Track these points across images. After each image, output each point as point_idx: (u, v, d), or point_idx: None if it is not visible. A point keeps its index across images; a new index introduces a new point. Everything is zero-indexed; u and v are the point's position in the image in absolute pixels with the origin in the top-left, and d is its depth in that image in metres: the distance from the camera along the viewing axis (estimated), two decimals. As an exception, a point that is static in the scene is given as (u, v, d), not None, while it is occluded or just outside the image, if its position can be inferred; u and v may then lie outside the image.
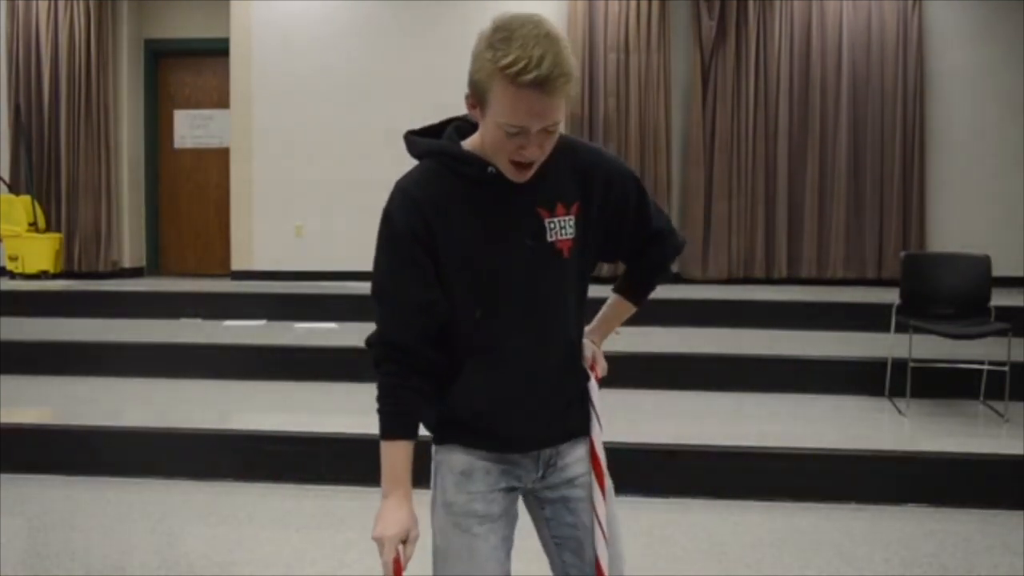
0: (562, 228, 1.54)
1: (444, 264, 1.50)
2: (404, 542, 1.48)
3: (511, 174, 1.48)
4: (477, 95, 1.44)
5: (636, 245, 1.68)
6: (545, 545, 1.69)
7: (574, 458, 1.64)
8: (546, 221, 1.53)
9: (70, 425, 4.25)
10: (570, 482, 1.63)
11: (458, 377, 1.56)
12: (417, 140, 1.58)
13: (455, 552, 1.57)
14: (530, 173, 1.48)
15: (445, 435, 1.62)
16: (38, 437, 4.20)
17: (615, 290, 1.80)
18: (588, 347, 1.71)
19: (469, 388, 1.56)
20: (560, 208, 1.54)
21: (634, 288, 1.78)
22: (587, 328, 1.73)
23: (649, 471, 3.86)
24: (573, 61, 1.40)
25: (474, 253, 1.50)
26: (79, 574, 3.04)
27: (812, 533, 3.44)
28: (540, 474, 1.63)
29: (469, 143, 1.54)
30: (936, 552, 3.26)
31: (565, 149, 1.55)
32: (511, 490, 1.62)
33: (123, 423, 4.27)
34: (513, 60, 1.35)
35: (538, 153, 1.45)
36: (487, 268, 1.51)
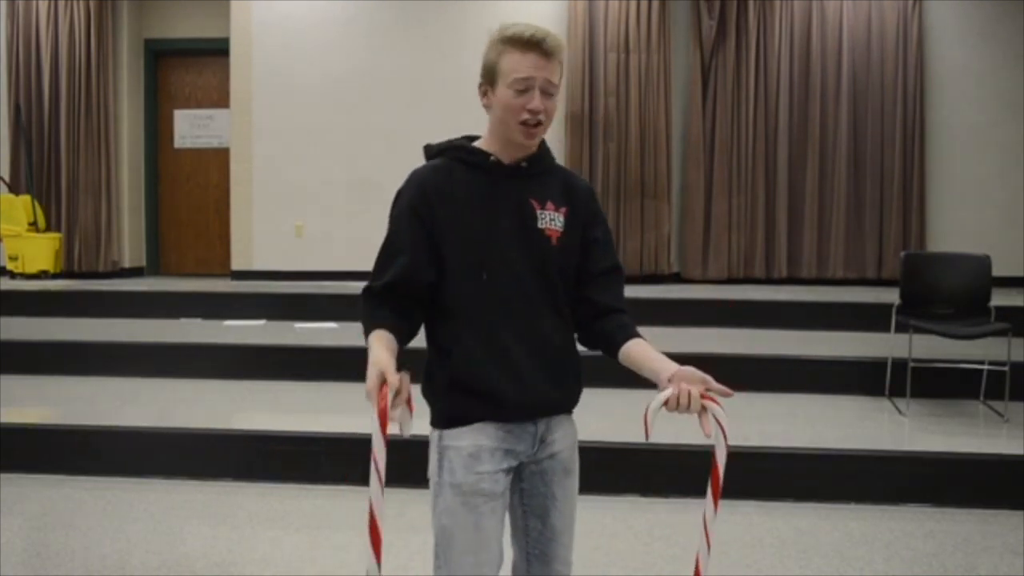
0: (552, 220, 1.76)
1: (444, 235, 1.71)
2: (387, 382, 1.50)
3: (522, 136, 1.71)
4: (488, 74, 1.72)
5: (599, 268, 1.81)
6: (512, 510, 1.82)
7: (560, 434, 1.80)
8: (537, 211, 1.75)
9: (70, 425, 4.25)
10: (552, 456, 1.79)
11: (459, 342, 1.72)
12: (432, 144, 1.83)
13: (462, 529, 1.69)
14: (538, 136, 1.73)
15: (453, 415, 1.73)
16: (38, 437, 4.20)
17: (620, 341, 1.77)
18: (682, 370, 1.66)
19: (473, 350, 1.71)
20: (550, 205, 1.77)
21: (618, 326, 1.79)
22: (659, 372, 1.69)
23: (649, 471, 3.86)
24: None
25: (473, 227, 1.72)
26: (79, 574, 3.03)
27: (812, 533, 3.44)
28: (534, 449, 1.77)
29: (476, 144, 1.80)
30: (936, 552, 3.26)
31: (561, 170, 1.86)
32: (509, 471, 1.76)
33: (123, 423, 4.27)
34: (517, 30, 1.68)
35: (542, 109, 1.68)
36: (484, 240, 1.71)
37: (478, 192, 1.73)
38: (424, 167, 1.78)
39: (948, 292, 4.73)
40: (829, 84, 7.19)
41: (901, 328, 4.55)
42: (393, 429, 1.50)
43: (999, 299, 4.73)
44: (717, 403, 1.61)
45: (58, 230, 7.54)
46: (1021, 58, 7.08)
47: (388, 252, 1.75)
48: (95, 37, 7.45)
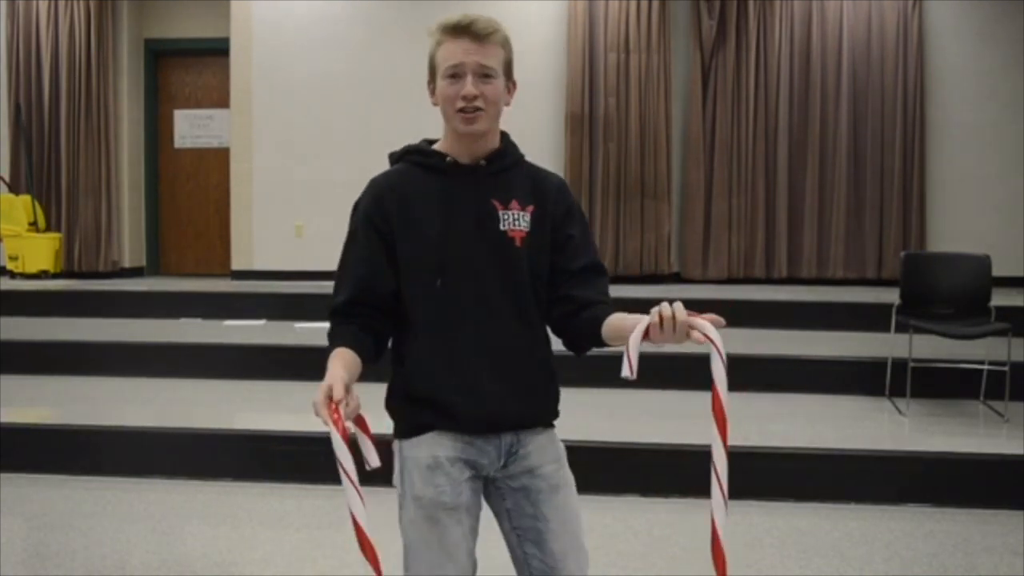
0: (515, 220, 1.68)
1: (401, 240, 1.67)
2: (333, 399, 1.48)
3: (461, 125, 1.65)
4: (430, 70, 1.69)
5: (575, 266, 1.71)
6: (506, 536, 1.73)
7: (535, 447, 1.70)
8: (500, 212, 1.68)
9: (70, 425, 4.25)
10: (531, 472, 1.69)
11: (414, 351, 1.67)
12: (394, 152, 1.79)
13: (426, 543, 1.64)
14: (479, 122, 1.64)
15: (409, 426, 1.69)
16: (38, 437, 4.20)
17: (600, 320, 1.65)
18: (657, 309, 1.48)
19: (425, 360, 1.66)
20: (515, 204, 1.70)
21: (600, 312, 1.66)
22: (625, 323, 1.56)
23: (649, 471, 3.86)
24: (506, 31, 1.67)
25: (429, 230, 1.66)
26: (79, 574, 3.03)
27: (812, 533, 3.44)
28: (502, 463, 1.68)
29: (435, 146, 1.75)
30: (936, 552, 3.26)
31: (529, 167, 1.77)
32: (475, 479, 1.68)
33: (123, 423, 4.27)
34: (448, 18, 1.65)
35: (476, 93, 1.62)
36: (440, 243, 1.66)
37: (435, 195, 1.68)
38: (381, 174, 1.74)
39: (948, 292, 4.73)
40: (829, 84, 7.19)
41: (901, 328, 4.55)
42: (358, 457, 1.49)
43: (999, 299, 4.73)
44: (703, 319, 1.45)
45: (58, 230, 7.54)
46: (1021, 58, 7.08)
47: (346, 265, 1.73)
48: (95, 37, 7.45)
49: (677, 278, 7.32)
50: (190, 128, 8.06)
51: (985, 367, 4.56)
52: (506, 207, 1.68)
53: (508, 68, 1.69)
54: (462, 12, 1.65)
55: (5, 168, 7.58)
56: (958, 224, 7.15)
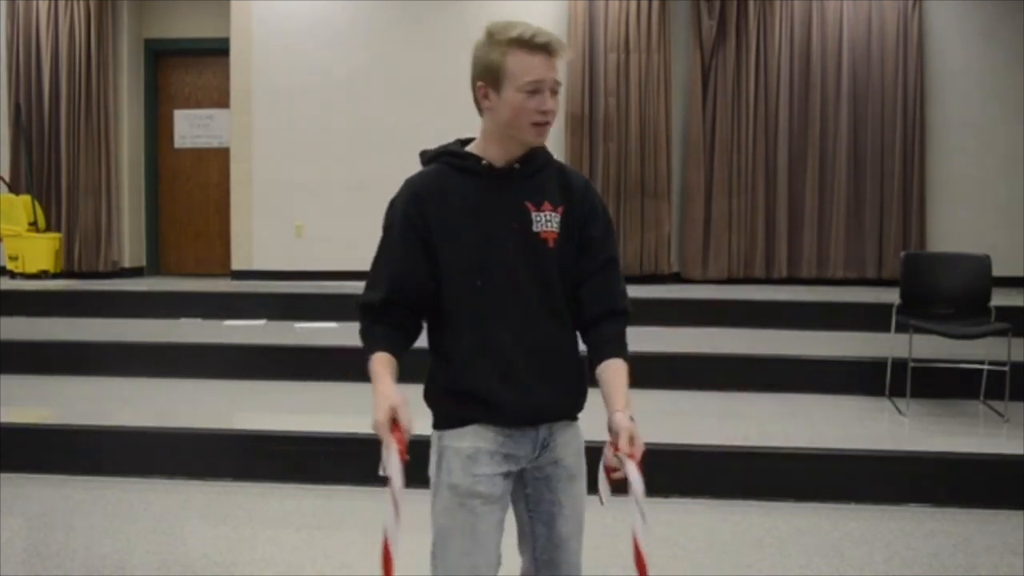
0: (547, 221, 1.74)
1: (440, 243, 1.71)
2: (396, 420, 1.55)
3: (533, 137, 1.72)
4: (491, 76, 1.69)
5: (593, 267, 1.78)
6: (518, 517, 1.83)
7: (563, 439, 1.79)
8: (532, 213, 1.74)
9: (70, 425, 4.25)
10: (556, 462, 1.78)
11: (458, 348, 1.73)
12: (427, 150, 1.82)
13: (458, 530, 1.71)
14: (547, 133, 1.73)
15: (451, 418, 1.75)
16: (38, 437, 4.20)
17: (595, 362, 1.78)
18: (616, 422, 1.65)
19: (469, 357, 1.72)
20: (547, 205, 1.75)
21: (601, 342, 1.78)
22: (608, 406, 1.71)
23: (649, 471, 3.84)
24: None
25: (468, 233, 1.72)
26: (79, 574, 3.04)
27: (812, 533, 3.44)
28: (536, 454, 1.76)
29: (469, 147, 1.79)
30: (936, 552, 3.26)
31: (557, 166, 1.82)
32: (508, 475, 1.75)
33: (123, 423, 4.27)
34: (521, 31, 1.67)
35: (554, 107, 1.69)
36: (479, 245, 1.71)
37: (472, 197, 1.72)
38: (417, 175, 1.78)
39: (948, 292, 4.73)
40: (829, 84, 7.19)
41: (901, 328, 4.55)
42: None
43: (999, 299, 4.73)
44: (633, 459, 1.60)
45: (58, 230, 7.54)
46: (1021, 58, 7.07)
47: (381, 264, 1.75)
48: (95, 37, 7.44)
49: (677, 278, 7.32)
50: (190, 128, 8.06)
51: (985, 367, 4.56)
52: (539, 209, 1.74)
53: None
54: (523, 23, 1.69)
55: (5, 168, 7.58)
56: (958, 224, 7.15)
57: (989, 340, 4.51)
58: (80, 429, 4.19)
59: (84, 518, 3.57)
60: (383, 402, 1.57)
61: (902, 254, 4.96)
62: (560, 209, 1.76)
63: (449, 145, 1.80)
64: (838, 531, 3.46)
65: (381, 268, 1.75)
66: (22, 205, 7.31)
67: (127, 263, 7.78)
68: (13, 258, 7.32)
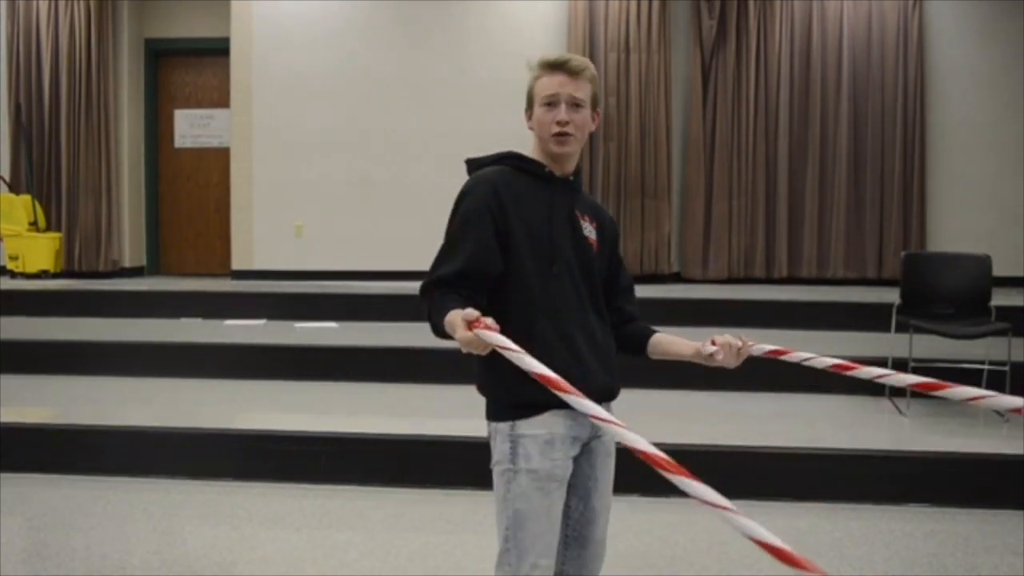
0: (591, 231, 1.98)
1: (514, 233, 1.87)
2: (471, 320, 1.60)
3: (555, 146, 1.90)
4: (528, 100, 1.96)
5: (624, 283, 2.09)
6: None
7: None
8: (581, 221, 1.97)
9: (70, 425, 4.25)
10: (599, 439, 1.94)
11: (534, 331, 1.83)
12: (482, 156, 2.01)
13: (537, 513, 1.83)
14: (568, 147, 1.91)
15: (529, 406, 1.84)
16: (38, 437, 4.20)
17: (645, 340, 2.05)
18: (706, 343, 1.95)
19: (547, 341, 1.83)
20: (587, 218, 1.99)
21: (641, 327, 2.08)
22: (688, 348, 1.99)
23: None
24: (593, 69, 1.94)
25: (537, 226, 1.89)
26: (79, 574, 3.04)
27: (812, 533, 3.44)
28: (589, 435, 1.91)
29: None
30: (936, 552, 3.26)
31: (590, 197, 2.08)
32: (574, 458, 1.90)
33: (123, 423, 4.27)
34: (545, 56, 1.94)
35: (568, 119, 1.88)
36: (547, 238, 1.89)
37: (539, 196, 1.91)
38: (487, 170, 1.94)
39: (948, 292, 4.73)
40: (829, 84, 7.19)
41: (901, 328, 4.56)
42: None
43: (999, 299, 4.73)
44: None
45: (58, 230, 7.54)
46: (1021, 58, 7.08)
47: (457, 242, 1.86)
48: (95, 37, 7.45)
49: (677, 278, 7.33)
50: (190, 128, 8.06)
51: (985, 367, 4.56)
52: (583, 219, 1.97)
53: (595, 100, 1.95)
54: (559, 54, 1.93)
55: (5, 168, 7.58)
56: (958, 224, 7.15)
57: (989, 340, 4.51)
58: (80, 429, 4.19)
59: (84, 518, 3.57)
60: (455, 318, 1.61)
61: (902, 254, 4.97)
62: (595, 225, 1.99)
63: (513, 151, 1.99)
64: (838, 531, 3.46)
65: (457, 247, 1.85)
66: (22, 205, 7.31)
67: (127, 263, 7.78)
68: (13, 258, 7.32)
